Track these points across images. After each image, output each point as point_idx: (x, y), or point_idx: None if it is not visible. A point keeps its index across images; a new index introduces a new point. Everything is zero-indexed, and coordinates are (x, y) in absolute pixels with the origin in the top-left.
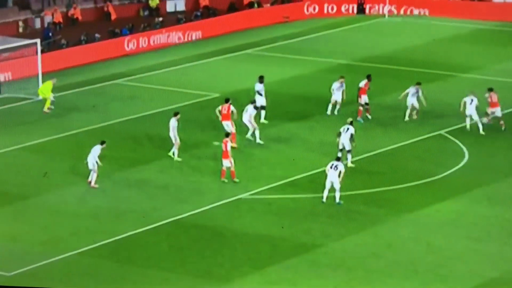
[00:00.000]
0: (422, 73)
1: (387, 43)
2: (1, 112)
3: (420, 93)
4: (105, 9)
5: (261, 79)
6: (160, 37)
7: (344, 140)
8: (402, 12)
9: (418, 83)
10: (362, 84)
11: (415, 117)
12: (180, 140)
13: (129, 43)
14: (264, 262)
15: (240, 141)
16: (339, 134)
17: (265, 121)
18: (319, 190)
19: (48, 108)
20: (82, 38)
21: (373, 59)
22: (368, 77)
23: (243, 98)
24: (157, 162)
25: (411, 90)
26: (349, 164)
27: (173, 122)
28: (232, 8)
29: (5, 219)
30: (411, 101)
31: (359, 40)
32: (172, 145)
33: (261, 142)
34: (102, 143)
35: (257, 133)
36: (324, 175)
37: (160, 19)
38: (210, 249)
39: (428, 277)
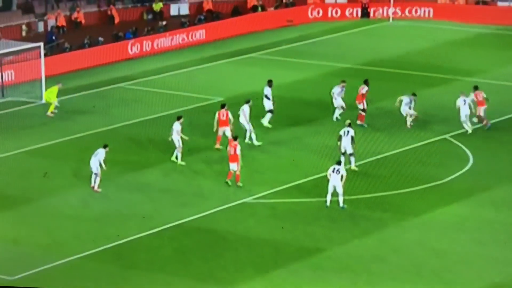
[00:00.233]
0: (426, 77)
1: (391, 47)
2: (4, 115)
3: (412, 104)
4: (109, 12)
5: (270, 83)
6: (163, 41)
7: (346, 143)
8: (407, 12)
9: (414, 94)
10: (364, 90)
11: (412, 123)
12: (183, 144)
13: (133, 47)
14: (267, 266)
15: (240, 144)
16: (339, 138)
17: (269, 125)
18: (323, 194)
19: (52, 112)
20: (85, 41)
21: (377, 63)
22: (366, 82)
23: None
24: (161, 166)
25: (405, 99)
26: (353, 167)
27: (177, 126)
28: (236, 12)
29: (8, 222)
30: (405, 110)
31: (363, 44)
32: (174, 149)
33: (259, 143)
34: (105, 146)
35: (253, 135)
36: (326, 179)
37: (164, 22)
38: (214, 253)
39: (433, 281)
